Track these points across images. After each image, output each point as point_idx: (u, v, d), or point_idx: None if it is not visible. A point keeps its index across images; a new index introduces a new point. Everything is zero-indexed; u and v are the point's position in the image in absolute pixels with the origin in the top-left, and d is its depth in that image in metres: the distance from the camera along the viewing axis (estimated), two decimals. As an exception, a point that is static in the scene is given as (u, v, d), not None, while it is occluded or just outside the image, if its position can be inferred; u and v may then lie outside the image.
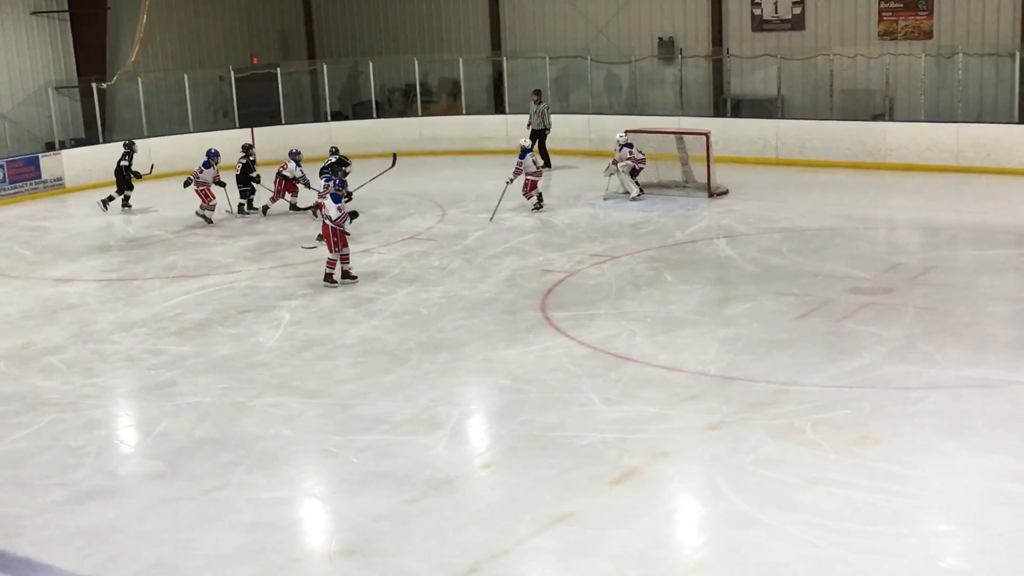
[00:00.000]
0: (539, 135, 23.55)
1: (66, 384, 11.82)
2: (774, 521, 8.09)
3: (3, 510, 8.96)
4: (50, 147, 25.09)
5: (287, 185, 20.28)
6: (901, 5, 23.60)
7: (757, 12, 25.28)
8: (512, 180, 18.99)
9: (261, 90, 28.49)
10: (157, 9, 26.79)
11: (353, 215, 15.08)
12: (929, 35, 23.40)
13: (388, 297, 14.43)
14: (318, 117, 29.16)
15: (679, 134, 20.96)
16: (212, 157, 19.86)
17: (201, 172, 19.62)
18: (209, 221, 19.66)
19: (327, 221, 14.86)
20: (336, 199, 14.89)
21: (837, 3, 24.34)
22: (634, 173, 19.89)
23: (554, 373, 11.42)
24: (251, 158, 20.80)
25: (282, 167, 20.23)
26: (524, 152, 19.23)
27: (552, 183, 21.12)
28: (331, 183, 15.18)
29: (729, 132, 23.17)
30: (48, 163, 23.83)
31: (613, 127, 22.75)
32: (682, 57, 25.76)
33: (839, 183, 20.94)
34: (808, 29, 24.75)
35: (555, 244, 16.95)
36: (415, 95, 27.95)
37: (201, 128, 26.73)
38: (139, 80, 25.75)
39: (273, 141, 26.40)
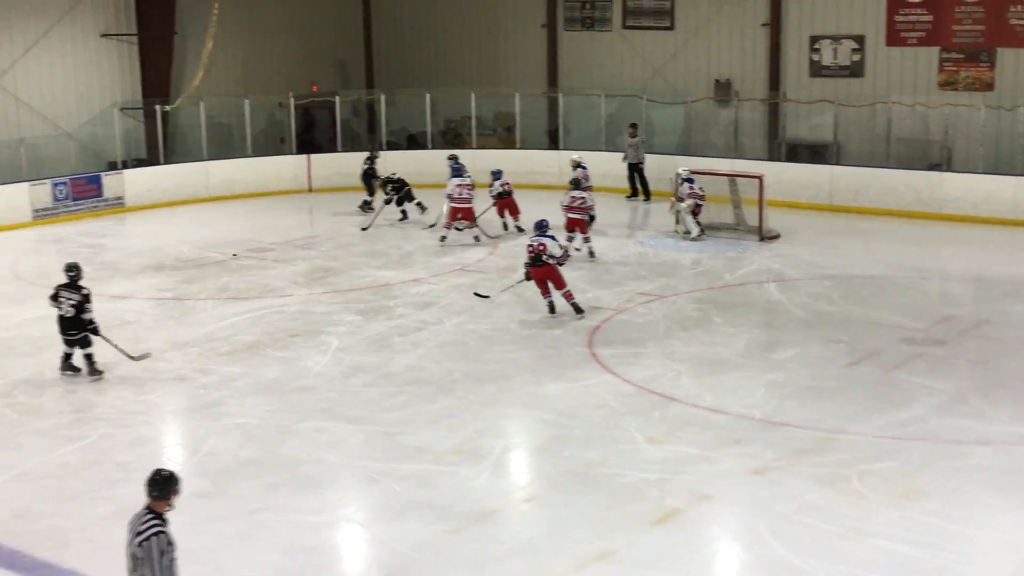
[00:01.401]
0: (634, 168, 23.83)
1: (118, 399, 12.00)
2: (815, 570, 8.04)
3: (52, 522, 9.11)
4: (113, 166, 25.49)
5: (507, 205, 20.70)
6: (963, 56, 23.46)
7: (816, 58, 25.23)
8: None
9: (319, 117, 28.84)
10: (222, 35, 27.21)
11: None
12: (990, 87, 23.22)
13: (436, 327, 14.51)
14: (373, 146, 29.42)
15: (732, 176, 20.94)
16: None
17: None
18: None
19: (550, 260, 14.81)
20: (552, 237, 15.11)
21: (897, 52, 24.24)
22: (694, 212, 19.87)
23: (598, 410, 11.43)
24: (373, 166, 23.22)
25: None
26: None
27: (601, 220, 21.12)
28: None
29: (783, 176, 23.10)
30: (110, 182, 24.23)
31: (666, 167, 22.81)
32: (738, 100, 25.76)
33: (893, 232, 20.80)
34: (867, 76, 24.64)
35: (604, 281, 16.96)
36: (470, 128, 28.13)
37: (259, 153, 27.08)
38: (201, 104, 26.15)
39: (328, 168, 26.72)
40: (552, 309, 14.90)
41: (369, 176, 23.63)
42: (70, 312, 12.40)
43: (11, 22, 24.66)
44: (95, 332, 12.49)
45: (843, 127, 24.34)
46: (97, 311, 15.29)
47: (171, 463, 10.62)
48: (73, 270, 12.59)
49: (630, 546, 8.49)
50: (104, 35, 26.40)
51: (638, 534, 8.69)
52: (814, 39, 25.22)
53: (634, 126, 24.21)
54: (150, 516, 6.68)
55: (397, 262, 18.64)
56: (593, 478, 9.73)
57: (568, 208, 18.19)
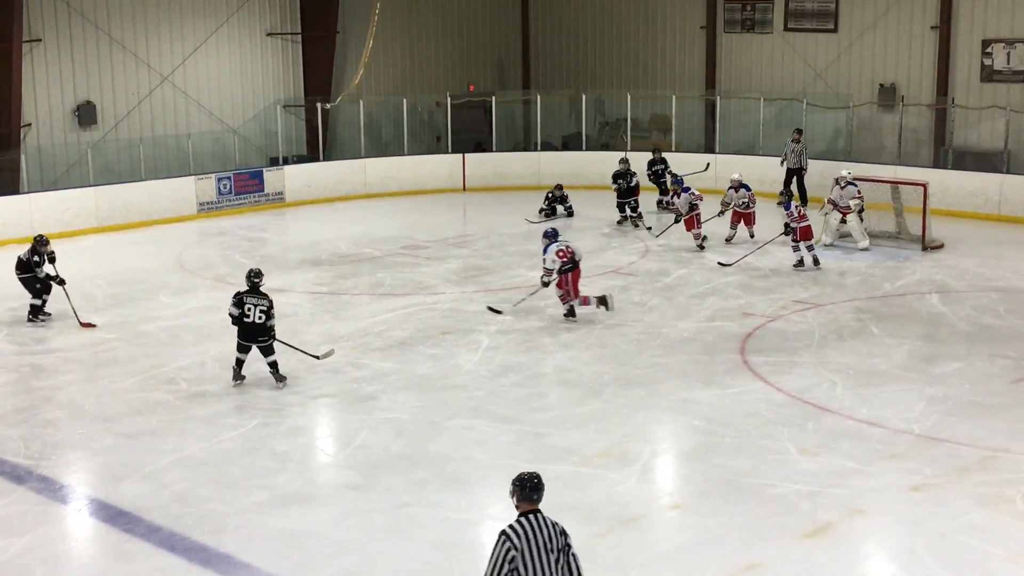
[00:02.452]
0: (795, 173, 23.27)
1: (274, 390, 12.30)
2: (975, 593, 7.74)
3: (210, 507, 9.39)
4: (274, 162, 26.22)
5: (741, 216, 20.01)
6: None
7: (988, 62, 24.32)
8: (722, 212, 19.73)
9: (475, 117, 29.12)
10: (383, 35, 27.74)
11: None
12: None
13: (586, 329, 14.47)
14: (528, 146, 29.54)
15: (896, 183, 20.34)
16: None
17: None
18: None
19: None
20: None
21: (1075, 55, 23.23)
22: (860, 214, 19.29)
23: (750, 418, 11.23)
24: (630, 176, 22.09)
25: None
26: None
27: (759, 227, 20.76)
28: None
29: (949, 184, 22.34)
30: (271, 177, 24.92)
31: (827, 173, 22.27)
32: (904, 105, 25.00)
33: (1065, 244, 19.89)
34: (1041, 81, 23.68)
35: (758, 288, 16.67)
36: (626, 129, 28.00)
37: (415, 151, 27.48)
38: (361, 102, 26.68)
39: (483, 168, 26.94)
40: (573, 313, 14.94)
41: (657, 176, 23.64)
42: (260, 318, 12.17)
43: (182, 21, 25.57)
44: (275, 338, 12.41)
45: (1015, 135, 23.39)
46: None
47: (324, 454, 10.89)
48: (258, 276, 12.33)
49: (780, 559, 8.31)
50: (269, 34, 27.17)
51: (788, 547, 8.50)
52: (986, 42, 24.30)
53: (799, 131, 23.66)
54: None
55: (549, 263, 18.64)
56: (743, 487, 9.56)
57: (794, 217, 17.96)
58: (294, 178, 25.28)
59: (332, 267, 18.71)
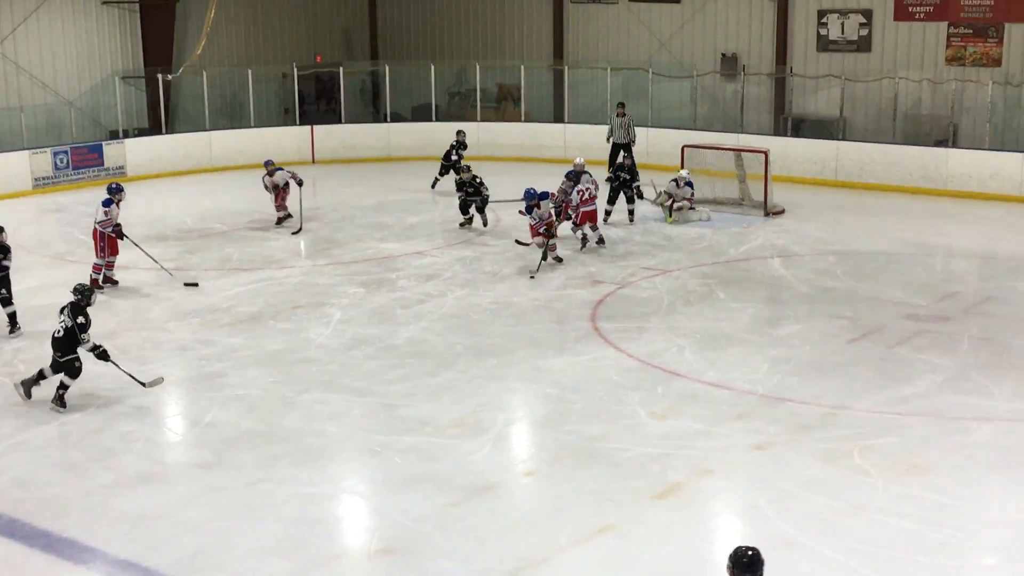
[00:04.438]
0: (623, 148, 22.81)
1: (118, 370, 11.93)
2: (817, 545, 8.02)
3: (51, 491, 9.09)
4: (114, 135, 25.41)
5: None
6: (971, 32, 23.32)
7: (823, 32, 25.08)
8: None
9: (322, 89, 28.72)
10: (225, 5, 27.04)
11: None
12: (998, 63, 23.08)
13: (439, 300, 14.46)
14: (378, 118, 29.30)
15: (738, 151, 20.84)
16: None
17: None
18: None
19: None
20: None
21: (905, 27, 24.08)
22: (673, 204, 19.14)
23: (601, 384, 11.39)
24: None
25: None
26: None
27: (607, 194, 20.98)
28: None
29: (789, 151, 23.01)
30: (111, 151, 24.14)
31: (674, 141, 22.59)
32: (745, 74, 25.61)
33: (898, 208, 20.71)
34: (874, 51, 24.50)
35: (607, 256, 16.89)
36: (474, 100, 28.00)
37: (262, 123, 26.97)
38: (204, 73, 26.02)
39: (332, 140, 26.62)
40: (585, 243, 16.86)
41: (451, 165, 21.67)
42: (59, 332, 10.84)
43: (11, -11, 24.52)
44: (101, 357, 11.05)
45: (849, 102, 24.23)
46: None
47: (172, 433, 10.65)
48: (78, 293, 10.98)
49: (632, 521, 8.47)
50: (105, 2, 26.25)
51: (640, 509, 8.67)
52: (821, 13, 25.08)
53: (622, 104, 23.64)
54: None
55: (400, 234, 18.57)
56: (595, 452, 9.71)
57: (582, 202, 17.01)
58: (136, 152, 24.55)
59: (178, 242, 18.25)
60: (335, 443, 10.04)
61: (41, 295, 14.61)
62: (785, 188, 21.25)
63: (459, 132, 22.73)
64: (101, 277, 15.28)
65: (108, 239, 15.41)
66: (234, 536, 8.32)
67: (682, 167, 20.31)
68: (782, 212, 19.86)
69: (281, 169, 19.30)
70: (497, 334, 13.13)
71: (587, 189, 17.04)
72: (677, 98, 26.76)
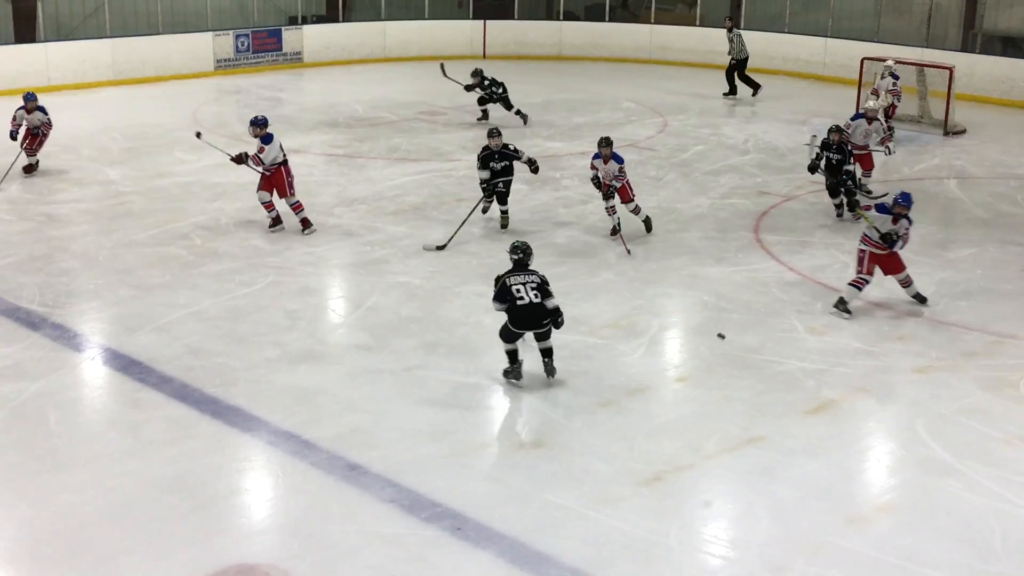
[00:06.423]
0: (737, 67, 21.72)
1: (287, 250, 12.36)
2: (972, 472, 7.85)
3: (220, 360, 9.51)
4: (293, 21, 25.88)
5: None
6: None
7: (1023, -57, 23.71)
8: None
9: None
10: None
11: None
12: None
13: (600, 202, 14.39)
14: (551, 15, 29.05)
15: (921, 66, 20.01)
16: None
17: None
18: None
19: None
20: None
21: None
22: (888, 112, 17.94)
23: (759, 296, 11.26)
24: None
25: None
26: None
27: (779, 106, 20.51)
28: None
29: (975, 69, 21.97)
30: (289, 37, 24.63)
31: (852, 52, 21.87)
32: (936, -15, 24.47)
33: (1089, 134, 19.62)
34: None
35: (775, 167, 16.55)
36: (649, 1, 27.47)
37: (436, 16, 27.02)
38: (381, -38, 26.21)
39: (504, 35, 26.54)
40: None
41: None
42: (536, 297, 9.14)
43: None
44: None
45: (1047, 19, 22.94)
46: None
47: (335, 315, 10.99)
48: (523, 252, 9.32)
49: (781, 433, 8.42)
50: None
51: (791, 422, 8.61)
52: (1024, -77, 23.67)
53: (730, 19, 22.69)
54: None
55: (566, 134, 18.53)
56: (749, 363, 9.64)
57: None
58: (312, 38, 24.98)
59: (348, 130, 18.60)
60: (490, 336, 10.18)
61: (218, 173, 15.11)
62: (968, 107, 20.36)
63: (476, 72, 19.33)
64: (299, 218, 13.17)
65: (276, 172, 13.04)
66: (389, 417, 8.59)
67: (861, 80, 19.57)
68: (963, 132, 19.06)
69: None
70: (657, 239, 13.06)
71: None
72: (860, 7, 25.73)
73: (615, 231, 12.92)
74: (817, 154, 13.96)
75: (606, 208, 13.07)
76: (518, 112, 19.03)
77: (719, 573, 6.77)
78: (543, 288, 9.15)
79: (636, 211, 13.19)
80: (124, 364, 9.44)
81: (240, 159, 12.95)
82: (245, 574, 6.57)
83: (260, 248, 12.43)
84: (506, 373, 9.23)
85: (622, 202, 13.05)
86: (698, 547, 6.99)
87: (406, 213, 13.83)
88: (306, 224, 12.99)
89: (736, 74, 21.81)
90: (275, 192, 12.92)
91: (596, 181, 12.98)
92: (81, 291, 11.19)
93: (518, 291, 9.09)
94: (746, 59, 21.78)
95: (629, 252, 12.48)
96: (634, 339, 10.14)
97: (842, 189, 13.54)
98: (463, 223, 12.81)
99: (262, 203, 12.94)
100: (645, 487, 7.59)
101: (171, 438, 8.18)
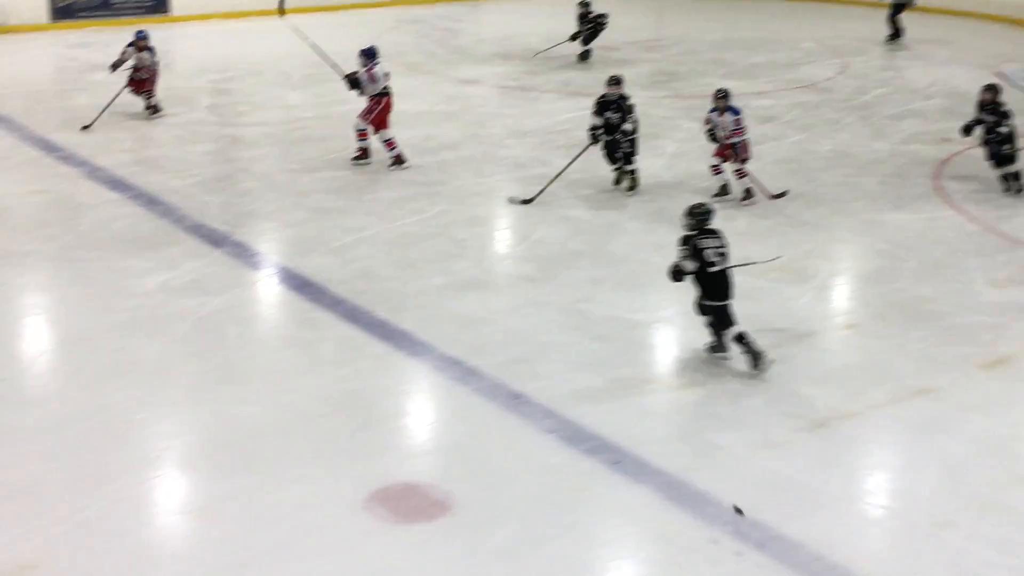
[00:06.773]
0: (902, 5, 20.80)
1: (457, 180, 12.52)
2: None
3: (390, 285, 9.75)
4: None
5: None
6: None
7: None
8: None
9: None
10: None
11: None
12: None
13: (775, 143, 14.14)
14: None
15: None
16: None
17: None
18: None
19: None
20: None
21: None
22: None
23: (937, 245, 10.90)
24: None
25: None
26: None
27: (970, 50, 19.60)
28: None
29: None
30: (468, -33, 24.74)
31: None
32: None
33: None
34: None
35: (961, 114, 15.82)
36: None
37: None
38: None
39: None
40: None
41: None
42: (720, 260, 8.48)
43: None
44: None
45: None
46: (446, 93, 15.80)
47: (502, 245, 11.10)
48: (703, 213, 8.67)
49: (954, 386, 8.17)
50: None
51: (964, 375, 8.34)
52: None
53: None
54: None
55: (741, 73, 18.17)
56: (923, 313, 9.36)
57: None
58: (492, -32, 25.02)
59: (522, 63, 18.62)
60: (655, 273, 10.08)
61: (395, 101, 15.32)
62: None
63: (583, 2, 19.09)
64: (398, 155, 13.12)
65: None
66: (552, 349, 8.66)
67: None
68: None
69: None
70: (832, 182, 12.74)
71: None
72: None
73: (723, 192, 11.97)
74: (976, 118, 12.73)
75: (711, 167, 12.14)
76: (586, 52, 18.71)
77: (881, 523, 6.65)
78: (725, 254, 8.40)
79: (741, 175, 11.97)
80: (299, 284, 9.75)
81: (353, 80, 12.87)
82: (408, 492, 6.76)
83: (432, 178, 12.61)
84: (712, 349, 8.57)
85: (738, 160, 11.92)
86: (860, 496, 6.88)
87: (576, 147, 13.77)
88: (399, 160, 12.85)
89: (892, 17, 20.88)
90: (371, 125, 12.74)
91: (711, 135, 12.04)
92: (260, 212, 11.59)
93: (708, 256, 8.36)
94: (905, 3, 20.82)
95: (778, 195, 11.98)
96: (803, 283, 9.95)
97: (994, 159, 12.42)
98: (558, 175, 12.21)
99: (356, 131, 12.94)
100: (808, 433, 7.49)
101: (342, 358, 8.44)
